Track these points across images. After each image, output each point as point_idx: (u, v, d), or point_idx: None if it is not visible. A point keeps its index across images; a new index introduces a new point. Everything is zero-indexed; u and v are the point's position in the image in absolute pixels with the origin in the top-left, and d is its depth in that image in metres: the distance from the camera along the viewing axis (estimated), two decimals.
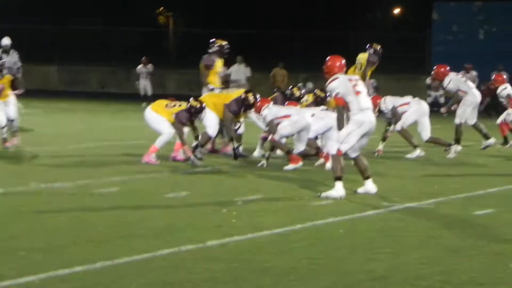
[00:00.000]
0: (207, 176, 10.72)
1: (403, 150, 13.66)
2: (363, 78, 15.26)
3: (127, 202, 8.50)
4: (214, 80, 13.24)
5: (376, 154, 13.28)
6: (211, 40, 13.48)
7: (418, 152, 13.21)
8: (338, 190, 8.96)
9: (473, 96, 14.18)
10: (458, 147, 13.75)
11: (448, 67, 14.33)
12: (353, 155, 9.18)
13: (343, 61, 9.28)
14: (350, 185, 9.29)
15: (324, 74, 9.27)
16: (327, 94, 12.20)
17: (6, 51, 17.36)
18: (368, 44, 15.72)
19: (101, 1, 49.33)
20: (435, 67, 14.63)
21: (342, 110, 8.99)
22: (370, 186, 9.28)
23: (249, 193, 9.15)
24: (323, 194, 8.98)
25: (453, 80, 14.09)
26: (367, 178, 9.28)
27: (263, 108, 11.75)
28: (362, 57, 14.62)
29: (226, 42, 13.44)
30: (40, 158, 12.07)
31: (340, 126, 8.99)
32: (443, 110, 14.60)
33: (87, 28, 39.33)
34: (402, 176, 11.08)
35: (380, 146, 13.44)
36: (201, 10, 48.11)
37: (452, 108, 14.46)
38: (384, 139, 13.48)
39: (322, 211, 8.22)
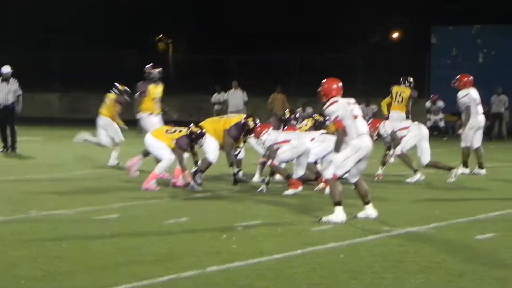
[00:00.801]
0: (207, 202, 10.71)
1: (403, 174, 13.65)
2: (407, 112, 15.78)
3: (127, 228, 8.48)
4: (150, 106, 13.40)
5: (376, 178, 13.28)
6: (146, 67, 13.64)
7: (418, 176, 13.20)
8: (339, 215, 8.95)
9: (477, 120, 14.32)
10: (462, 171, 13.83)
11: (472, 79, 14.47)
12: (353, 180, 9.18)
13: (340, 83, 9.24)
14: (350, 210, 9.27)
15: (320, 97, 9.23)
16: (326, 119, 12.25)
17: (6, 79, 17.43)
18: (402, 78, 16.50)
19: (101, 29, 49.57)
20: (459, 75, 14.72)
21: (342, 133, 8.99)
22: (370, 211, 9.27)
23: (249, 219, 9.13)
24: (324, 219, 8.97)
25: (470, 95, 14.25)
26: (367, 203, 9.27)
27: (262, 133, 11.77)
28: (401, 91, 15.36)
29: (160, 69, 13.59)
30: (41, 186, 12.06)
31: (338, 149, 8.97)
32: (461, 131, 14.72)
33: (87, 55, 39.49)
34: (403, 200, 11.06)
35: (380, 171, 13.43)
36: (199, 37, 48.30)
37: (461, 131, 14.61)
38: (383, 163, 13.48)
39: (322, 236, 8.20)
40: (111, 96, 15.33)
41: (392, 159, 13.46)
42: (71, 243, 7.65)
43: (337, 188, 8.95)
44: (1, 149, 17.47)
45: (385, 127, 13.38)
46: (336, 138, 9.14)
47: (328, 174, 9.07)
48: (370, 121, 13.18)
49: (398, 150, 13.24)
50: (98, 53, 40.69)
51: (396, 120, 16.08)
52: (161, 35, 53.24)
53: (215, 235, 8.13)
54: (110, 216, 9.23)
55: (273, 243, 7.76)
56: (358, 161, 9.04)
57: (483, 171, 14.53)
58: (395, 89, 17.21)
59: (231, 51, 38.31)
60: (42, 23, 47.20)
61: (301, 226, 8.77)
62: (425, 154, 13.26)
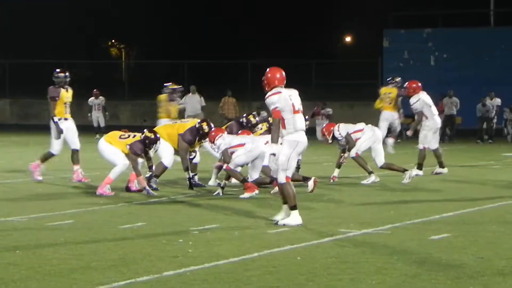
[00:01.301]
0: (162, 206, 10.65)
1: (358, 176, 13.73)
2: (398, 110, 16.07)
3: (82, 234, 8.38)
4: (61, 111, 13.43)
5: (331, 180, 13.34)
6: (56, 70, 13.61)
7: (373, 178, 13.29)
8: (295, 218, 8.95)
9: (434, 122, 14.54)
10: (416, 172, 13.98)
11: (420, 84, 14.69)
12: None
13: (283, 73, 9.13)
14: (306, 212, 9.28)
15: (263, 86, 9.14)
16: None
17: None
18: (390, 78, 16.96)
19: (52, 34, 49.07)
20: (407, 82, 14.97)
21: (279, 123, 8.91)
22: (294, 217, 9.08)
23: (206, 223, 9.10)
24: (281, 222, 8.96)
25: (421, 100, 14.49)
26: (285, 204, 9.14)
27: (217, 137, 11.74)
28: (389, 91, 15.64)
29: (66, 73, 13.62)
30: None
31: (274, 139, 8.89)
32: (409, 133, 14.98)
33: (38, 61, 39.06)
34: (358, 202, 11.12)
35: (335, 173, 13.49)
36: (153, 42, 48.12)
37: (409, 133, 14.84)
38: (339, 166, 13.54)
39: (278, 238, 8.20)
40: (162, 97, 15.33)
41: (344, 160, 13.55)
42: (25, 250, 7.53)
43: (291, 191, 8.94)
44: None
45: (340, 130, 13.45)
46: (272, 128, 9.08)
47: (280, 179, 9.00)
48: (325, 124, 13.24)
49: (352, 152, 13.33)
50: (49, 58, 40.26)
51: (388, 119, 16.42)
52: (113, 40, 52.91)
53: (171, 239, 8.08)
54: (64, 222, 9.11)
55: (230, 247, 7.74)
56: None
57: (445, 170, 14.72)
58: (383, 90, 17.52)
59: (184, 56, 38.24)
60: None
61: (257, 229, 8.76)
62: (380, 156, 13.37)
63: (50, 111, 13.48)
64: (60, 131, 13.25)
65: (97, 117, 26.07)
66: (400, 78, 17.48)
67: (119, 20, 49.95)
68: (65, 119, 13.40)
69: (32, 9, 48.36)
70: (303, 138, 9.02)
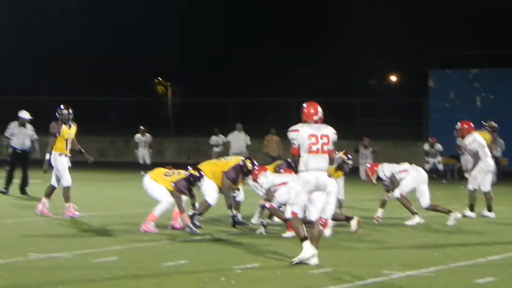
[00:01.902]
0: (205, 244, 10.67)
1: (402, 217, 13.62)
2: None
3: (125, 271, 8.43)
4: (61, 146, 13.59)
5: (374, 221, 13.25)
6: (61, 107, 13.81)
7: (417, 219, 13.17)
8: (307, 250, 8.87)
9: (487, 164, 14.41)
10: (468, 214, 13.86)
11: (471, 124, 14.56)
12: (311, 217, 9.06)
13: (314, 109, 9.12)
14: (349, 253, 9.23)
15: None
16: (349, 157, 12.45)
17: (23, 124, 17.61)
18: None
19: (99, 72, 49.87)
20: (459, 123, 14.80)
21: (297, 160, 8.97)
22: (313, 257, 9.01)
23: (248, 261, 9.09)
24: (295, 260, 8.89)
25: (476, 141, 14.36)
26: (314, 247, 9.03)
27: (260, 176, 11.76)
28: (484, 136, 15.08)
29: (70, 110, 13.75)
30: (39, 228, 12.02)
31: (295, 171, 8.96)
32: (467, 175, 14.78)
33: (86, 98, 39.68)
34: (402, 243, 11.02)
35: (379, 213, 13.40)
36: (197, 80, 48.59)
37: (467, 175, 14.67)
38: (382, 205, 13.46)
39: (321, 279, 8.15)
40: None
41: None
42: (69, 286, 7.60)
43: (299, 224, 8.91)
44: (3, 190, 17.51)
45: (384, 171, 13.38)
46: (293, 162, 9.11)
47: (287, 214, 9.04)
48: (369, 163, 13.20)
49: (396, 192, 13.23)
50: (96, 95, 40.90)
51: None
52: (159, 77, 53.53)
53: (213, 277, 8.09)
54: (108, 259, 9.18)
55: (272, 286, 7.71)
56: (314, 195, 8.97)
57: (492, 214, 14.52)
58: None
59: (228, 94, 38.52)
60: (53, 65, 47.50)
61: (300, 269, 8.72)
62: (424, 197, 13.25)
63: (48, 146, 13.66)
64: (48, 167, 13.50)
65: (143, 154, 26.32)
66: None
67: (166, 58, 50.58)
68: (66, 155, 13.59)
69: (80, 48, 49.25)
70: (314, 178, 8.96)
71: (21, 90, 40.20)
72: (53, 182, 13.72)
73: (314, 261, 8.93)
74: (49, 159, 13.53)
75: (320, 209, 9.09)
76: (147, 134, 26.45)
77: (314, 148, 8.94)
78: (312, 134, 8.99)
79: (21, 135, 17.60)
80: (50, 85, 44.87)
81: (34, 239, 10.76)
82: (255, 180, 11.84)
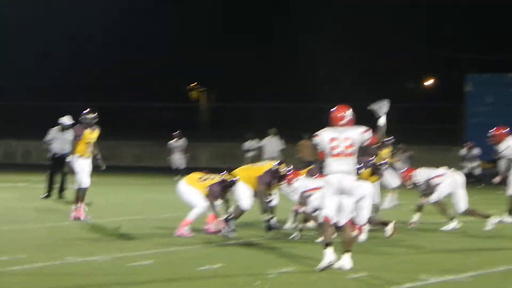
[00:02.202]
0: (240, 248, 10.67)
1: (438, 222, 13.50)
2: None
3: (161, 275, 8.47)
4: (82, 149, 13.70)
5: (410, 226, 13.15)
6: (84, 112, 13.92)
7: (454, 224, 13.05)
8: (327, 257, 8.81)
9: None
10: (507, 219, 13.68)
11: (508, 129, 14.38)
12: (340, 221, 9.02)
13: (344, 112, 9.10)
14: (385, 258, 9.16)
15: None
16: (360, 166, 12.28)
17: (65, 129, 17.82)
18: None
19: (136, 78, 50.23)
20: (494, 129, 14.63)
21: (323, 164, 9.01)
22: (346, 261, 8.93)
23: (282, 266, 9.07)
24: (317, 268, 8.83)
25: (511, 147, 14.17)
26: (347, 251, 8.99)
27: (294, 180, 11.74)
28: None
29: (95, 114, 13.95)
30: (76, 232, 12.13)
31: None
32: (496, 180, 14.62)
33: (121, 104, 40.00)
34: (438, 248, 10.92)
35: (415, 218, 13.30)
36: (231, 85, 48.72)
37: (495, 180, 14.49)
38: (418, 210, 13.35)
39: (356, 284, 8.11)
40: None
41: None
42: None
43: (327, 229, 8.87)
44: (44, 195, 17.72)
45: (420, 175, 13.28)
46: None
47: (320, 218, 9.02)
48: (405, 168, 13.12)
49: (433, 197, 13.12)
50: (132, 101, 41.19)
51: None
52: (194, 83, 53.77)
53: (248, 282, 8.08)
54: (144, 263, 9.22)
55: None
56: (341, 201, 8.93)
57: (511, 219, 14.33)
58: None
59: (262, 99, 38.54)
60: (85, 67, 47.97)
61: (334, 274, 8.67)
62: (461, 202, 13.12)
63: (72, 150, 13.87)
64: (71, 169, 13.66)
65: (178, 159, 26.43)
66: None
67: (200, 63, 50.81)
68: (85, 157, 13.72)
69: (115, 53, 49.68)
70: (336, 181, 8.90)
71: (57, 96, 40.66)
72: (84, 184, 13.81)
73: (348, 265, 8.89)
74: (70, 160, 13.71)
75: (348, 213, 9.06)
76: (182, 139, 26.55)
77: (335, 151, 8.93)
78: (333, 137, 8.98)
79: (61, 140, 17.80)
80: (85, 91, 45.28)
81: (71, 243, 10.86)
82: (289, 184, 11.83)
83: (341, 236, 9.03)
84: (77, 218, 13.45)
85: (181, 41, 51.72)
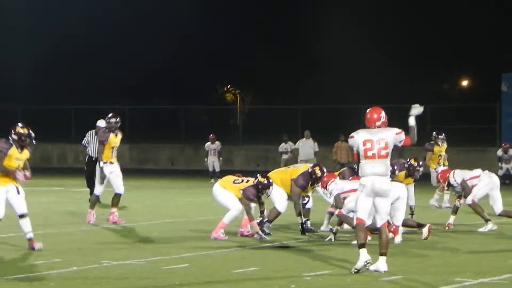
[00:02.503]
0: (275, 251, 10.68)
1: (474, 224, 13.39)
2: None
3: (196, 278, 8.51)
4: (108, 155, 13.69)
5: (446, 227, 13.06)
6: (109, 115, 13.95)
7: (490, 226, 12.94)
8: (362, 258, 8.79)
9: None
10: None
11: None
12: (377, 223, 9.00)
13: (377, 114, 9.04)
14: (421, 260, 9.12)
15: None
16: (395, 168, 12.22)
17: (97, 133, 17.98)
18: None
19: (170, 80, 50.49)
20: None
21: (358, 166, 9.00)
22: (382, 264, 8.89)
23: (318, 269, 9.06)
24: (353, 270, 8.81)
25: None
26: (382, 254, 8.93)
27: (329, 182, 11.72)
28: None
29: (118, 118, 13.88)
30: (112, 236, 12.23)
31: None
32: None
33: (157, 107, 40.22)
34: (474, 250, 10.84)
35: (451, 220, 13.20)
36: (266, 87, 48.77)
37: None
38: (454, 212, 13.25)
39: (392, 286, 8.08)
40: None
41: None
42: None
43: (361, 232, 8.85)
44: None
45: (455, 177, 13.18)
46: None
47: (354, 220, 9.01)
48: (440, 170, 13.03)
49: (469, 199, 13.01)
50: (166, 104, 41.41)
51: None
52: (229, 85, 53.88)
53: (283, 285, 8.09)
54: (180, 266, 9.27)
55: None
56: (376, 203, 8.88)
57: None
58: None
59: (297, 101, 38.50)
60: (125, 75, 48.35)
61: (370, 276, 8.65)
62: (497, 203, 13.00)
63: (98, 154, 13.89)
64: (103, 177, 13.63)
65: (213, 162, 26.49)
66: None
67: (235, 66, 50.94)
68: (111, 162, 13.73)
69: (149, 56, 49.98)
70: (370, 183, 8.87)
71: (94, 99, 41.04)
72: (118, 189, 13.89)
73: (384, 268, 8.85)
74: (102, 166, 13.72)
75: (384, 215, 9.02)
76: (217, 142, 26.62)
77: (369, 153, 8.90)
78: (368, 139, 8.94)
79: (96, 144, 17.92)
80: (120, 94, 45.64)
81: (106, 247, 10.95)
82: (324, 187, 11.82)
83: (379, 238, 8.99)
84: (114, 222, 13.54)
85: (216, 43, 51.88)
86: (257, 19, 51.93)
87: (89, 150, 18.04)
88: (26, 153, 10.55)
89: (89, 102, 39.77)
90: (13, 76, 46.28)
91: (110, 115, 14.06)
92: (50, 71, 49.18)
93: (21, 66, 46.40)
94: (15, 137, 10.46)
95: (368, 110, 9.18)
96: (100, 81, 49.05)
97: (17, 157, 10.44)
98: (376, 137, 8.94)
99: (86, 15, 47.77)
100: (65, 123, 36.55)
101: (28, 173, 10.54)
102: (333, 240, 11.53)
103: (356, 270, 8.75)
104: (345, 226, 12.02)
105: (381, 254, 8.89)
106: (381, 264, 8.87)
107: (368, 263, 8.72)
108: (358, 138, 8.99)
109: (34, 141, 10.59)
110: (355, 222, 9.05)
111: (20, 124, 10.62)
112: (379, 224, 8.98)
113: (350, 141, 9.07)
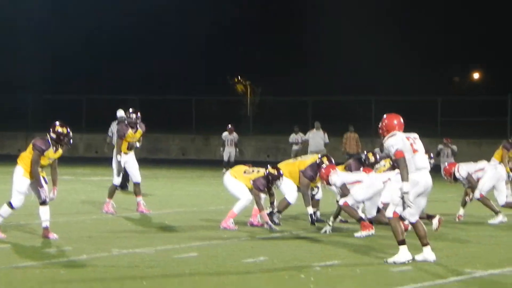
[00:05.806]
0: (284, 242, 10.70)
1: (484, 215, 13.37)
2: None
3: (206, 267, 8.54)
4: (124, 147, 13.82)
5: (457, 219, 13.05)
6: (130, 110, 14.01)
7: (500, 217, 12.92)
8: (403, 254, 8.81)
9: None
10: None
11: None
12: (412, 219, 9.00)
13: (401, 119, 9.17)
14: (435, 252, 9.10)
15: (382, 133, 9.17)
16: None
17: (121, 122, 18.01)
18: None
19: (182, 72, 50.54)
20: None
21: (404, 161, 8.85)
22: (428, 253, 9.01)
23: (327, 259, 9.08)
24: (390, 260, 8.83)
25: None
26: (425, 245, 9.03)
27: (330, 174, 11.66)
28: None
29: (138, 114, 13.96)
30: (122, 224, 12.27)
31: (404, 177, 8.82)
32: None
33: (168, 97, 40.24)
34: (484, 242, 10.83)
35: (461, 211, 13.19)
36: (276, 78, 48.73)
37: None
38: (464, 205, 13.23)
39: (402, 277, 8.09)
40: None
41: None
42: (151, 281, 7.75)
43: (399, 226, 8.84)
44: (124, 186, 17.87)
45: (460, 171, 13.13)
46: (400, 168, 9.00)
47: (388, 213, 8.98)
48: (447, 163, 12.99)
49: (477, 194, 12.98)
50: (178, 94, 41.44)
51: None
52: (239, 76, 53.87)
53: (293, 275, 8.11)
54: (189, 255, 9.31)
55: (352, 283, 7.70)
56: (418, 197, 8.89)
57: None
58: None
59: (307, 93, 38.47)
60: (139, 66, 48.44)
61: (380, 266, 8.67)
62: (502, 195, 12.99)
63: (116, 149, 13.91)
64: (120, 169, 13.73)
65: (229, 152, 26.53)
66: None
67: (245, 57, 50.92)
68: (125, 153, 13.78)
69: (161, 48, 50.04)
70: (424, 178, 8.91)
71: (111, 90, 41.12)
72: (135, 178, 13.95)
73: (432, 257, 8.94)
74: (121, 159, 13.75)
75: (421, 210, 9.04)
76: (234, 133, 26.65)
77: (415, 147, 8.96)
78: (408, 137, 9.06)
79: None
80: (132, 85, 45.71)
81: (117, 235, 10.99)
82: (325, 181, 11.73)
83: (417, 232, 8.99)
84: (141, 212, 13.56)
85: (228, 35, 51.86)
86: (271, 12, 51.88)
87: (114, 140, 18.13)
88: (59, 152, 10.49)
89: (102, 92, 39.86)
90: (26, 66, 46.46)
91: (130, 110, 14.10)
92: (66, 61, 49.31)
93: (38, 57, 46.65)
94: (53, 135, 10.34)
95: (390, 116, 9.16)
96: (113, 71, 49.15)
97: (51, 157, 10.38)
98: (413, 136, 9.11)
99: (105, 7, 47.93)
100: (77, 113, 36.62)
101: (53, 194, 10.48)
102: (327, 232, 11.42)
103: (394, 263, 8.77)
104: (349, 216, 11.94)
105: (424, 245, 8.96)
106: (427, 253, 8.96)
107: (410, 262, 8.76)
108: (399, 134, 9.01)
109: (71, 141, 10.48)
110: (389, 215, 8.97)
111: (58, 123, 10.47)
112: (415, 219, 8.96)
113: (392, 140, 8.96)
